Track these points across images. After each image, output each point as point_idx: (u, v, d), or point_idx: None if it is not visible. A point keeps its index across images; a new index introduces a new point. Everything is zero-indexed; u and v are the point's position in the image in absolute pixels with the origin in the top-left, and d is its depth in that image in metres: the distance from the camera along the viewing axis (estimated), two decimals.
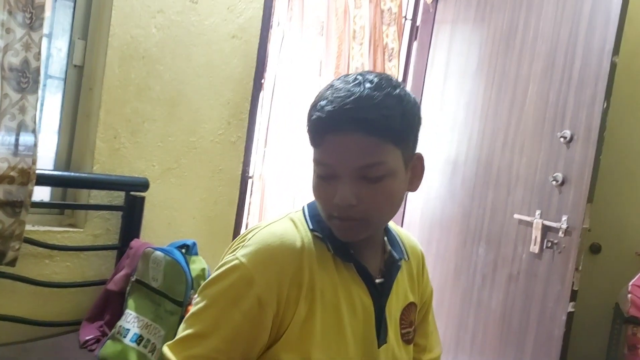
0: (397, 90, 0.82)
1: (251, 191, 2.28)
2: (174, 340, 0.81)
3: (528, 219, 2.13)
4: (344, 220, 0.83)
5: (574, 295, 1.95)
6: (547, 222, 2.05)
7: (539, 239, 2.08)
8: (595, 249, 2.60)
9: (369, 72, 0.86)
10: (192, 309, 0.83)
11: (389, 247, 0.95)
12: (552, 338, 2.01)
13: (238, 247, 0.84)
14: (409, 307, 0.98)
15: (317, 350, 0.82)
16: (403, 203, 2.80)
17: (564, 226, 1.98)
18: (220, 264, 0.84)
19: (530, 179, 2.16)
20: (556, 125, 2.08)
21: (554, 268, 2.03)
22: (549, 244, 2.05)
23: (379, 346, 0.89)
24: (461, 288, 2.42)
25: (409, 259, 0.99)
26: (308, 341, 0.82)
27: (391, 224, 1.00)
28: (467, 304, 2.38)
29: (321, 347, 0.82)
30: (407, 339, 0.96)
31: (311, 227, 0.87)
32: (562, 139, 2.03)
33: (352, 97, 0.79)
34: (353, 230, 0.84)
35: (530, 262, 2.13)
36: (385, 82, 0.82)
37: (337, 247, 0.87)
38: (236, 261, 0.81)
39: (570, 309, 1.96)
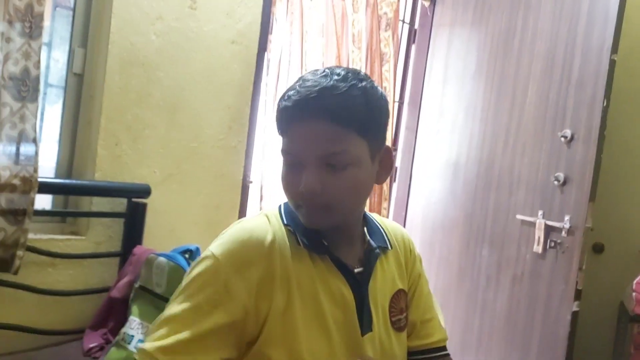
0: (363, 83, 0.85)
1: (261, 196, 2.27)
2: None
3: (531, 219, 2.13)
4: (310, 208, 0.85)
5: (578, 295, 1.96)
6: (549, 222, 2.05)
7: (542, 239, 2.08)
8: (598, 249, 2.60)
9: (338, 66, 0.89)
10: (168, 304, 0.84)
11: (367, 237, 0.97)
12: (557, 338, 2.01)
13: (212, 244, 0.87)
14: (398, 294, 0.98)
15: (301, 342, 0.83)
16: (404, 206, 2.81)
17: (567, 226, 1.99)
18: (198, 258, 0.87)
19: (532, 179, 2.16)
20: (557, 125, 2.09)
21: (558, 268, 2.04)
22: (552, 244, 2.05)
23: (363, 334, 0.90)
24: (466, 290, 2.42)
25: (392, 247, 1.00)
26: (291, 334, 0.83)
27: (374, 216, 1.03)
28: (472, 305, 2.38)
29: (305, 338, 0.83)
30: (398, 327, 0.97)
31: (285, 222, 0.90)
32: (562, 139, 2.04)
33: (318, 87, 0.82)
34: (318, 217, 0.86)
35: (534, 263, 2.13)
36: (351, 75, 0.85)
37: (310, 240, 0.88)
38: (207, 253, 0.84)
39: (574, 309, 1.96)
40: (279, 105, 0.87)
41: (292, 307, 0.83)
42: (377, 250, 0.96)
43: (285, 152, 0.87)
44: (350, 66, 2.46)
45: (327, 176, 0.83)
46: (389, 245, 0.99)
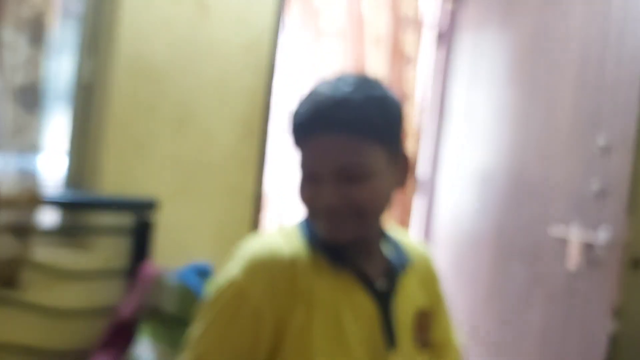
0: (377, 91, 0.85)
1: (275, 208, 2.22)
2: None
3: (565, 233, 2.03)
4: (330, 220, 0.84)
5: (617, 313, 1.88)
6: (585, 236, 1.95)
7: (577, 255, 1.98)
8: (637, 264, 2.46)
9: (349, 74, 0.89)
10: (193, 331, 0.85)
11: (387, 253, 0.95)
12: None
13: (231, 265, 0.87)
14: (421, 312, 0.97)
15: (318, 358, 0.82)
16: (427, 219, 2.71)
17: (604, 240, 1.89)
18: (216, 283, 0.87)
19: (566, 190, 2.07)
20: (591, 132, 1.99)
21: (594, 285, 1.94)
22: (588, 259, 1.95)
23: (388, 351, 0.88)
24: (496, 309, 2.32)
25: (412, 264, 0.98)
26: (307, 351, 0.82)
27: (394, 230, 1.01)
28: (503, 326, 2.28)
29: (322, 355, 0.82)
30: (423, 344, 0.95)
31: (304, 236, 0.89)
32: (598, 147, 1.94)
33: (331, 101, 0.82)
34: (339, 229, 0.85)
35: (569, 279, 2.03)
36: (364, 83, 0.85)
37: (332, 253, 0.87)
38: (229, 277, 0.84)
39: (613, 328, 1.88)
40: (292, 120, 0.87)
41: (311, 323, 0.83)
42: (399, 268, 0.94)
43: (302, 166, 0.87)
44: (371, 69, 2.41)
45: (346, 189, 0.83)
46: (408, 262, 0.96)
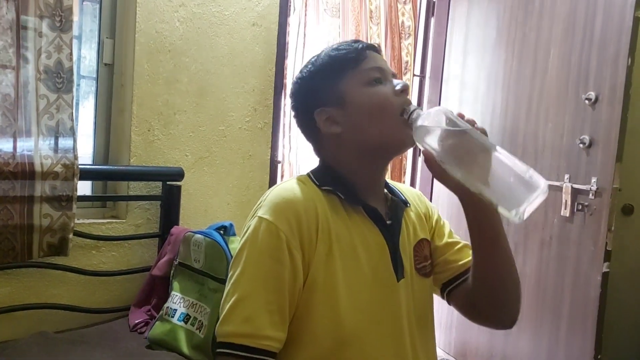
0: None
1: (282, 175, 2.32)
2: (222, 315, 0.86)
3: (557, 183, 2.13)
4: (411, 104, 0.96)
5: (607, 256, 1.97)
6: (576, 186, 2.06)
7: (569, 203, 2.08)
8: (627, 210, 2.57)
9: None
10: (230, 280, 0.88)
11: (390, 195, 1.05)
12: (588, 300, 2.02)
13: (256, 210, 0.92)
14: (421, 243, 1.06)
15: (341, 287, 0.89)
16: (430, 182, 2.83)
17: (594, 188, 1.99)
18: (245, 229, 0.91)
19: (557, 143, 2.16)
20: (580, 87, 2.07)
21: (586, 230, 2.04)
22: (580, 207, 2.06)
23: (398, 281, 0.97)
24: None
25: (409, 204, 1.08)
26: (332, 280, 0.89)
27: (389, 181, 1.11)
28: None
29: (344, 284, 0.90)
30: (423, 273, 1.04)
31: (318, 183, 0.97)
32: (587, 101, 2.03)
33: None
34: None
35: (562, 227, 2.14)
36: None
37: (345, 194, 0.96)
38: (259, 220, 0.88)
39: (604, 270, 1.97)
40: (344, 52, 1.00)
41: (333, 257, 0.90)
42: (402, 205, 1.04)
43: (374, 69, 0.98)
44: (369, 42, 2.49)
45: None
46: (407, 203, 1.07)
